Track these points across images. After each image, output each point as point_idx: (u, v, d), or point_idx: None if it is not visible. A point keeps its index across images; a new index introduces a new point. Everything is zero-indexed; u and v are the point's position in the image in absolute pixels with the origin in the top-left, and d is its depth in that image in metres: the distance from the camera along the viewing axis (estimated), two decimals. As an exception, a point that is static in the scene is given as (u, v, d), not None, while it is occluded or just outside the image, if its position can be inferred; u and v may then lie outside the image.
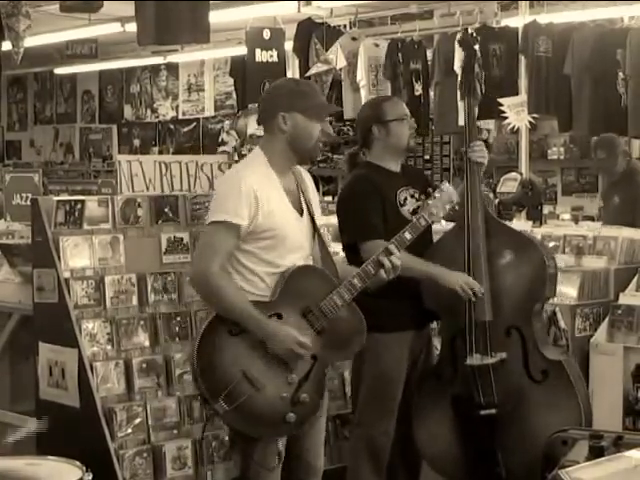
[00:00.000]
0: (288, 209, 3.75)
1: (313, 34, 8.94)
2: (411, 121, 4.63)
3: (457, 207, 4.00)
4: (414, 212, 4.49)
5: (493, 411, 4.37)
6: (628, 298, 5.00)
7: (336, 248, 4.90)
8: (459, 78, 8.06)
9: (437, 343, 4.73)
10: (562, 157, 10.18)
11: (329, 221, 6.24)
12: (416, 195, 4.53)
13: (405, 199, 4.51)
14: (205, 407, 3.74)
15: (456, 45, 8.13)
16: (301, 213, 3.80)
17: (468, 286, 4.31)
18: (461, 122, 7.99)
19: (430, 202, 3.92)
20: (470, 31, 4.73)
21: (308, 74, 9.13)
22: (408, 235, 3.85)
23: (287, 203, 3.75)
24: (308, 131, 3.74)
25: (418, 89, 8.90)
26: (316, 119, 3.75)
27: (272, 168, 3.75)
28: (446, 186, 3.95)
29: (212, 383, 3.59)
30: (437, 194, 3.93)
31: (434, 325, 4.80)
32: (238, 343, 3.63)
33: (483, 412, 4.37)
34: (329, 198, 11.25)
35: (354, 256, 4.45)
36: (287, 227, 3.71)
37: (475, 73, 4.59)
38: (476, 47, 4.66)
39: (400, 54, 8.93)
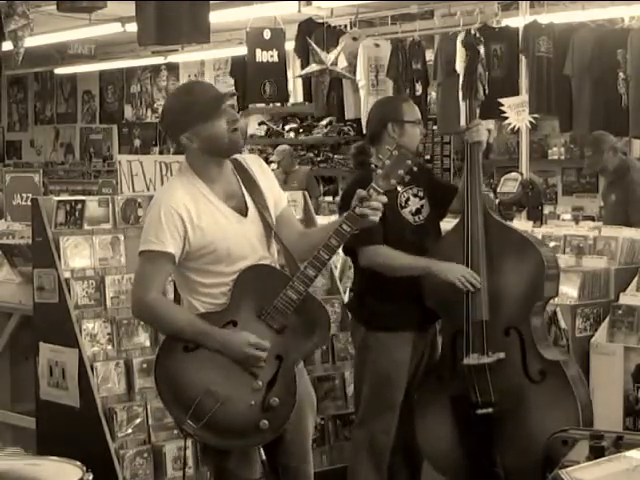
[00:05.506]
0: (225, 217, 3.57)
1: (311, 34, 8.95)
2: (421, 127, 4.64)
3: (414, 168, 3.51)
4: (417, 212, 4.51)
5: (490, 410, 4.36)
6: (628, 298, 4.99)
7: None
8: (461, 78, 8.14)
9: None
10: (562, 157, 10.18)
11: (330, 221, 6.22)
12: (420, 194, 4.53)
13: (407, 199, 4.49)
14: (178, 429, 3.64)
15: (458, 45, 8.17)
16: (245, 213, 3.60)
17: (466, 279, 4.30)
18: (463, 122, 8.05)
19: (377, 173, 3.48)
20: (473, 32, 4.70)
21: (298, 75, 9.15)
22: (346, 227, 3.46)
23: (224, 210, 3.57)
24: (214, 134, 3.53)
25: (419, 90, 8.92)
26: (215, 118, 3.54)
27: (200, 178, 3.59)
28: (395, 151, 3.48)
29: (176, 404, 3.51)
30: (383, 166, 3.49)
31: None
32: (195, 358, 3.51)
33: (480, 411, 4.37)
34: (329, 198, 11.28)
35: (355, 261, 4.49)
36: (227, 236, 3.54)
37: (478, 74, 4.57)
38: (479, 48, 4.63)
39: (403, 54, 8.94)
